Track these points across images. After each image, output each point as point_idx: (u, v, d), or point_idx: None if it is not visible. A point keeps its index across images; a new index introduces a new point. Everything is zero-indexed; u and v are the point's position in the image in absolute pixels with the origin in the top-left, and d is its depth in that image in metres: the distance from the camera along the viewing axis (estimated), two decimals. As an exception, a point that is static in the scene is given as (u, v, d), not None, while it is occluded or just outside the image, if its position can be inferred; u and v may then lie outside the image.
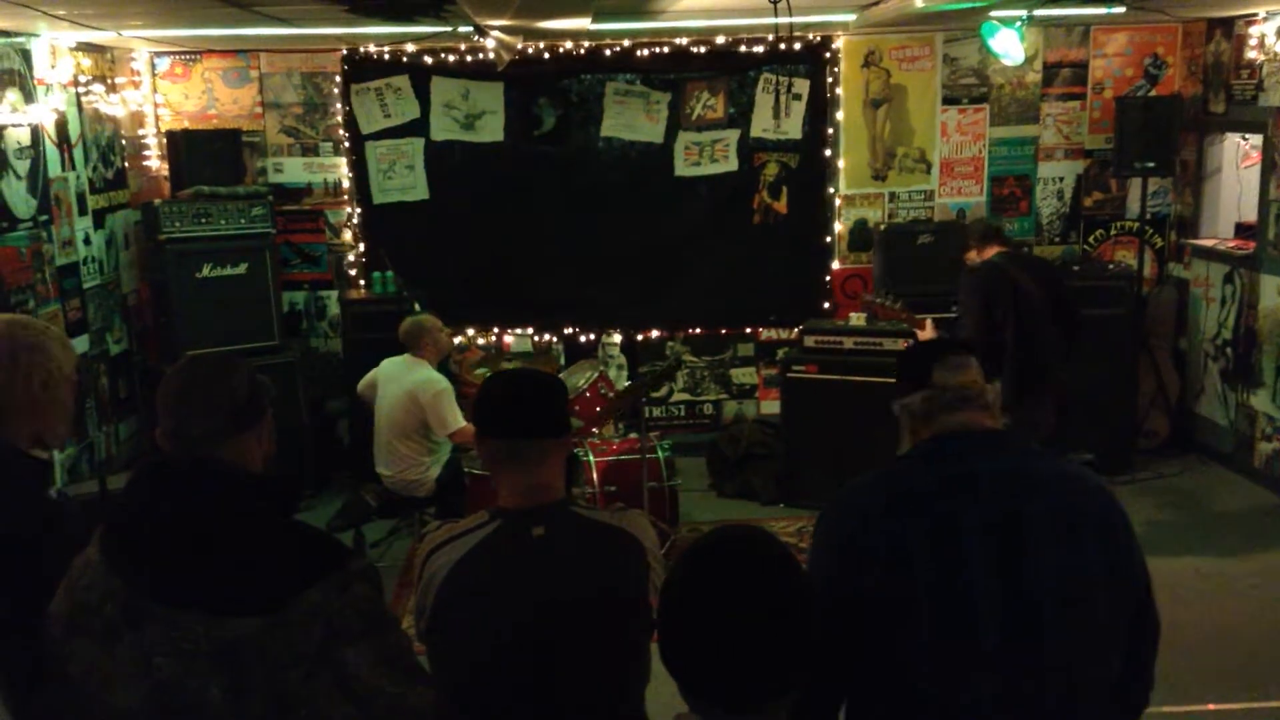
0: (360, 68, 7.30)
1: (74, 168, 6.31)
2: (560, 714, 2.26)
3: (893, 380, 2.30)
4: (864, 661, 2.03)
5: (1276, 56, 6.48)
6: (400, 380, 5.71)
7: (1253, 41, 6.67)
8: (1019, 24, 6.23)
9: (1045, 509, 2.06)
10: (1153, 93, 7.46)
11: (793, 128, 7.49)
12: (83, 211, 6.41)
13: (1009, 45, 6.32)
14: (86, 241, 6.42)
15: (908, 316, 5.72)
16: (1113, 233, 7.75)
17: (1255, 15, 6.62)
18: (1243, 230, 7.10)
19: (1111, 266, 7.53)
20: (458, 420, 5.55)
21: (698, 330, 7.81)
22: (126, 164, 7.04)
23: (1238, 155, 7.29)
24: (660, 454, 6.00)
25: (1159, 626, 2.19)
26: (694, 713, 1.62)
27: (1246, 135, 7.06)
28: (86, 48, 6.50)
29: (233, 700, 1.85)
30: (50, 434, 2.41)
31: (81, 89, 6.44)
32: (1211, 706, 4.45)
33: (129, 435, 6.77)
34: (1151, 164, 7.06)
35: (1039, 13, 6.13)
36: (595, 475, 5.81)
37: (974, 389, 2.20)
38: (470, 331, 7.67)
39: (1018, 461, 2.14)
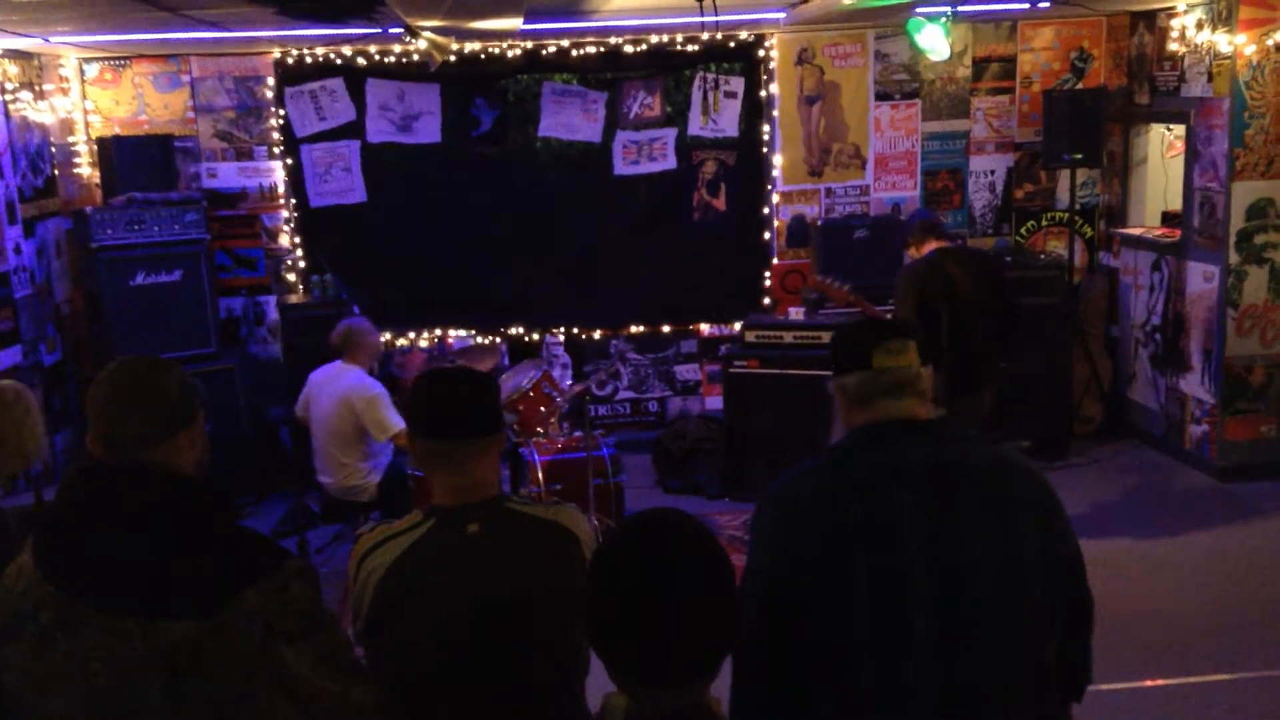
0: (294, 70, 7.25)
1: (2, 176, 6.20)
2: (501, 708, 2.26)
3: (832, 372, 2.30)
4: (804, 654, 2.03)
5: (1196, 48, 6.64)
6: (333, 388, 5.63)
7: (1174, 34, 6.82)
8: (944, 19, 6.33)
9: (979, 496, 2.08)
10: (1079, 86, 7.60)
11: (729, 125, 7.54)
12: (12, 220, 6.29)
13: (935, 41, 6.42)
14: (17, 251, 6.31)
15: (857, 299, 5.79)
16: (1044, 223, 7.89)
17: (1175, 8, 6.77)
18: (1169, 219, 7.27)
19: (1043, 257, 7.66)
20: (396, 423, 5.49)
21: (640, 328, 7.83)
22: (56, 171, 6.92)
23: (1163, 145, 7.46)
24: (605, 451, 6.02)
25: (1094, 608, 2.21)
26: (621, 691, 1.66)
27: (1171, 126, 7.21)
28: (13, 54, 6.38)
29: (171, 704, 1.84)
30: None
31: (8, 96, 6.32)
32: (1148, 683, 4.55)
33: (65, 447, 6.65)
34: (1079, 155, 7.19)
35: (963, 8, 6.24)
36: (540, 474, 5.81)
37: (913, 372, 2.21)
38: (412, 334, 7.64)
39: (952, 449, 2.15)
